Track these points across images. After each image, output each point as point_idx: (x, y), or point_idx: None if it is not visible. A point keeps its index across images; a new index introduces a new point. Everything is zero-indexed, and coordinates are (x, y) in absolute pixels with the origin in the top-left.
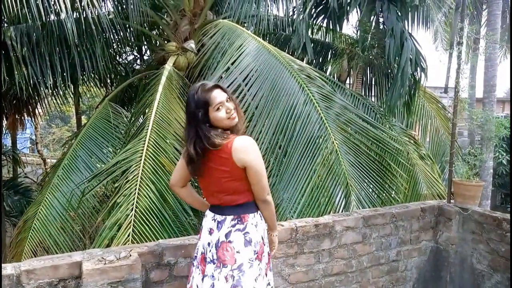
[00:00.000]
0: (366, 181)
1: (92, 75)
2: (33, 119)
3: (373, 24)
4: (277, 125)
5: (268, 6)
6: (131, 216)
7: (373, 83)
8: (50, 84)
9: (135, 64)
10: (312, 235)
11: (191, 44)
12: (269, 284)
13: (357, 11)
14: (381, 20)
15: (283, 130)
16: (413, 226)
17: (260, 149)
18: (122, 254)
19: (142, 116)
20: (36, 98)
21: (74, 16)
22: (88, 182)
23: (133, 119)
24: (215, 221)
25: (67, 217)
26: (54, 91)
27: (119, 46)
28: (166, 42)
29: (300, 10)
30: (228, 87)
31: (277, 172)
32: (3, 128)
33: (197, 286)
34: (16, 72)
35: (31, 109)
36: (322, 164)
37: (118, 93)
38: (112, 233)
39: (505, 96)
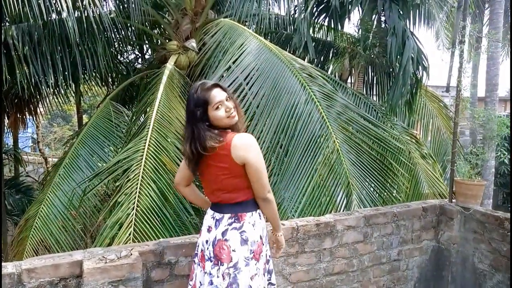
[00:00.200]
0: (368, 180)
1: (94, 74)
2: (34, 118)
3: (375, 22)
4: (279, 124)
5: (269, 5)
6: (132, 215)
7: (374, 82)
8: (52, 83)
9: (136, 63)
10: (313, 234)
11: (192, 43)
12: (271, 283)
13: (358, 10)
14: (382, 18)
15: (284, 129)
16: (414, 226)
17: (261, 148)
18: (123, 253)
19: (143, 115)
20: (38, 97)
21: (76, 15)
22: (89, 181)
23: (134, 118)
24: (213, 219)
25: (68, 216)
26: (56, 90)
27: (121, 45)
28: (167, 41)
29: (302, 8)
30: (229, 86)
31: (278, 171)
32: (5, 127)
33: (200, 283)
34: (17, 71)
35: (32, 108)
36: (323, 163)
37: (120, 92)
38: (113, 232)
39: (507, 95)
